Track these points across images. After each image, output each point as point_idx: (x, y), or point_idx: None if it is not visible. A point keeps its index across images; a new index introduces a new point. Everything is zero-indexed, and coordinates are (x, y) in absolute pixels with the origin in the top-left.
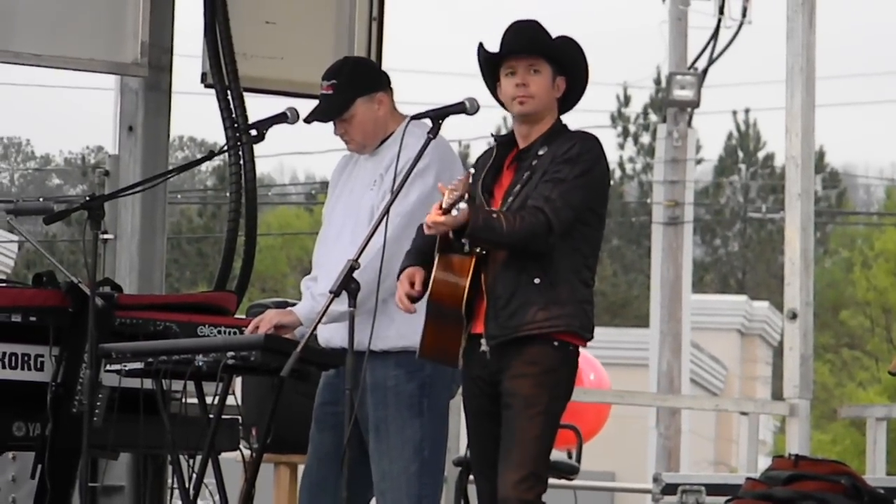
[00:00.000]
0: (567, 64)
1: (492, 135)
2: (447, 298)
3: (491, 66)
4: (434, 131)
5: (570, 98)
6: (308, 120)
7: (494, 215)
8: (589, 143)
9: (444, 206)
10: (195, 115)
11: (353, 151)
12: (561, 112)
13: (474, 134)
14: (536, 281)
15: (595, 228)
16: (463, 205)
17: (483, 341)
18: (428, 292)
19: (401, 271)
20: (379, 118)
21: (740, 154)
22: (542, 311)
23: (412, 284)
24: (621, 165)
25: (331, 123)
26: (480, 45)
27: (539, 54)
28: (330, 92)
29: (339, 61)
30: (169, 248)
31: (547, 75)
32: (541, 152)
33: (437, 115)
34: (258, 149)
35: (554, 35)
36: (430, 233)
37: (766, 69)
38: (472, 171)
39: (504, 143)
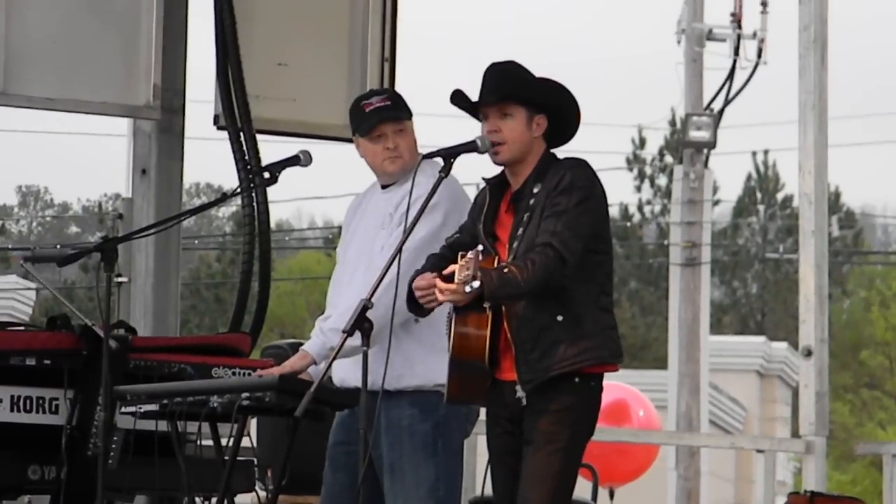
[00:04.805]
0: (542, 102)
1: (483, 178)
2: (469, 352)
3: (474, 111)
4: (445, 170)
5: (560, 132)
6: (375, 120)
7: (506, 269)
8: (580, 170)
9: (456, 282)
10: (212, 162)
11: (391, 172)
12: (555, 145)
13: (490, 173)
14: (559, 318)
15: (604, 253)
16: (476, 283)
17: (518, 388)
18: (449, 349)
19: (409, 283)
20: (415, 143)
21: (759, 195)
22: (571, 348)
23: (428, 280)
24: (640, 208)
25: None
26: (454, 92)
27: (505, 99)
28: (388, 102)
29: (373, 89)
30: (187, 294)
31: (520, 118)
32: (535, 190)
33: (449, 154)
34: (275, 194)
35: (535, 74)
36: (443, 299)
37: (783, 110)
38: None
39: (496, 184)
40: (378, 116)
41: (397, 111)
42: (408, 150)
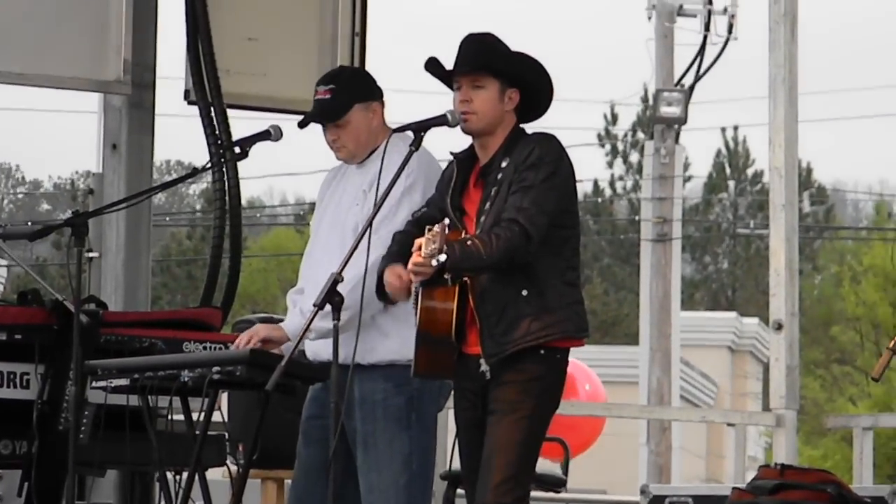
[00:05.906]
0: (516, 76)
1: (451, 153)
2: (436, 325)
3: (447, 79)
4: (416, 143)
5: (532, 107)
6: (303, 123)
7: (469, 242)
8: (547, 144)
9: (423, 256)
10: (183, 139)
11: (341, 160)
12: (527, 120)
13: (461, 147)
14: (524, 293)
15: (571, 228)
16: (442, 256)
17: (482, 361)
18: (416, 322)
19: (379, 272)
20: (372, 127)
21: (728, 171)
22: (536, 322)
23: (399, 276)
24: (612, 184)
25: (321, 138)
26: (429, 59)
27: (479, 70)
28: (327, 96)
29: (336, 68)
30: (158, 272)
31: (493, 90)
32: (503, 164)
33: (419, 128)
34: (247, 171)
35: (510, 47)
36: (416, 280)
37: (753, 85)
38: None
39: (464, 158)
40: (311, 114)
41: (327, 113)
42: (351, 137)
